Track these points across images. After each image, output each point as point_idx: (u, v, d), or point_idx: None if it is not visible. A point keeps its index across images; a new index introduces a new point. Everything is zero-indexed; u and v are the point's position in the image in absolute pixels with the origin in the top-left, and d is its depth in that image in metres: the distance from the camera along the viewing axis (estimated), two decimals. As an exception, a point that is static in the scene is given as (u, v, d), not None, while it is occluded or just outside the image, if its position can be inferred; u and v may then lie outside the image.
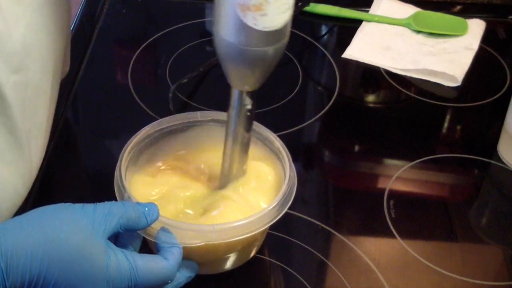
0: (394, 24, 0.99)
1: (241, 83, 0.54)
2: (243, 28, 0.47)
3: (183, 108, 0.82)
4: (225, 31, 0.49)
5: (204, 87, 0.88)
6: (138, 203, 0.52)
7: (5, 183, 0.56)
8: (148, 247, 0.63)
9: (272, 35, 0.49)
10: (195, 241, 0.54)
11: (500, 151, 0.77)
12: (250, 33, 0.48)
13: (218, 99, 0.87)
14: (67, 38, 0.70)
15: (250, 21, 0.47)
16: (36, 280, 0.45)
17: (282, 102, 0.84)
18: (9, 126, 0.56)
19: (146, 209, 0.52)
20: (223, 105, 0.85)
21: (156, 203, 0.54)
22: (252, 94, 0.55)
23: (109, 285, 0.47)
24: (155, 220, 0.52)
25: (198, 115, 0.66)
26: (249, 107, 0.55)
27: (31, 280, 0.44)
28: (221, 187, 0.62)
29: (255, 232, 0.56)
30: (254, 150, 0.66)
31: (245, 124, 0.57)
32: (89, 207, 0.49)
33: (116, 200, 0.56)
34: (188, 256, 0.59)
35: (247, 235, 0.55)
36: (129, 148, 0.61)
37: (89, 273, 0.46)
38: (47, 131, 0.64)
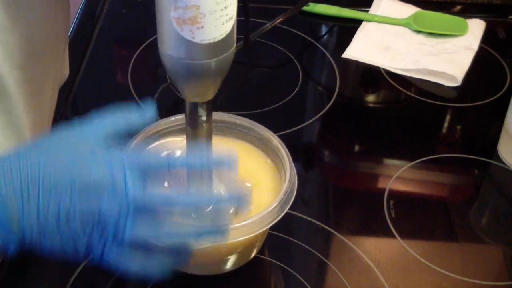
0: (394, 24, 0.99)
1: (192, 96, 0.52)
2: (182, 41, 0.46)
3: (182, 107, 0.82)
4: (166, 45, 0.47)
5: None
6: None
7: None
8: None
9: (213, 48, 0.47)
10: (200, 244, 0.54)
11: (500, 151, 0.77)
12: (189, 47, 0.46)
13: (215, 99, 0.87)
14: (65, 42, 0.70)
15: (187, 35, 0.45)
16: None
17: (282, 102, 0.84)
18: (14, 123, 0.56)
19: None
20: (221, 105, 0.85)
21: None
22: (207, 105, 0.53)
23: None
24: (151, 117, 0.51)
25: None
26: (203, 118, 0.54)
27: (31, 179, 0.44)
28: None
29: (257, 232, 0.56)
30: (254, 150, 0.66)
31: (202, 135, 0.55)
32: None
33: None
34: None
35: (249, 236, 0.55)
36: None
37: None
38: (47, 132, 0.64)
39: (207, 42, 0.46)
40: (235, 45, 0.50)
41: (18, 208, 0.43)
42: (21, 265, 0.62)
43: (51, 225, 0.44)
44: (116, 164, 0.45)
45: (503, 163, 0.77)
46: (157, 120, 0.64)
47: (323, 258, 0.65)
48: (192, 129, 0.54)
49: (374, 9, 1.02)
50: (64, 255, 0.46)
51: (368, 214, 0.71)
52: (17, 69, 0.55)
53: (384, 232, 0.68)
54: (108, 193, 0.44)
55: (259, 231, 0.56)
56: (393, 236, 0.68)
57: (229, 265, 0.62)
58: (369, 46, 0.94)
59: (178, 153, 0.55)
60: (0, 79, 0.55)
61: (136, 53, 0.91)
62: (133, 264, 0.47)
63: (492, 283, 0.64)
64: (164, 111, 0.70)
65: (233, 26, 0.48)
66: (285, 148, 0.63)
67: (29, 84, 0.57)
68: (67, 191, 0.44)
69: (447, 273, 0.64)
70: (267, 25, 0.90)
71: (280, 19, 0.91)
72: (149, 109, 0.51)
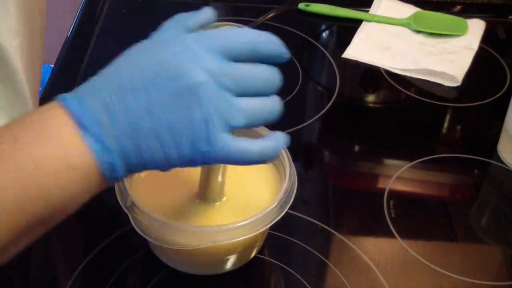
0: (394, 24, 0.99)
1: None
2: None
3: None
4: None
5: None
6: None
7: None
8: (148, 247, 0.64)
9: None
10: (201, 242, 0.54)
11: (500, 151, 0.77)
12: None
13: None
14: None
15: None
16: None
17: (282, 102, 0.84)
18: (18, 90, 0.57)
19: None
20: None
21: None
22: None
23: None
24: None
25: None
26: None
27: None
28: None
29: (257, 232, 0.56)
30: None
31: None
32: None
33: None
34: (190, 257, 0.60)
35: (249, 236, 0.55)
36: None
37: None
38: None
39: None
40: None
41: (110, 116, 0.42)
42: (21, 266, 0.62)
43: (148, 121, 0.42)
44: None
45: (503, 163, 0.77)
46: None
47: (323, 258, 0.65)
48: None
49: (374, 9, 1.02)
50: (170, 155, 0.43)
51: (368, 214, 0.71)
52: (14, 38, 0.56)
53: (384, 232, 0.68)
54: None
55: (259, 231, 0.56)
56: (393, 236, 0.68)
57: (229, 265, 0.62)
58: (369, 46, 0.94)
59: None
60: (1, 49, 0.55)
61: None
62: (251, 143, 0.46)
63: (492, 283, 0.64)
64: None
65: None
66: (285, 147, 0.62)
67: (21, 50, 0.58)
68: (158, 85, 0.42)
69: (447, 273, 0.64)
70: (258, 19, 0.91)
71: (271, 15, 0.92)
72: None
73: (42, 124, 0.42)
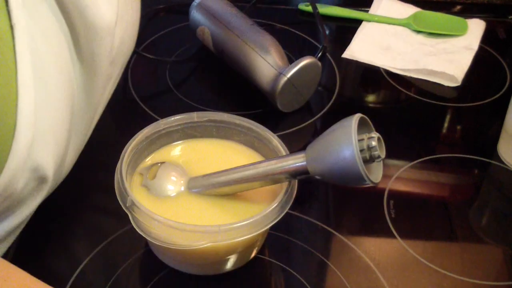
0: (394, 24, 0.99)
1: None
2: None
3: (181, 108, 0.83)
4: None
5: (203, 87, 0.88)
6: None
7: None
8: (148, 247, 0.64)
9: None
10: (201, 242, 0.54)
11: (500, 151, 0.77)
12: None
13: (214, 98, 0.87)
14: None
15: None
16: None
17: (282, 102, 0.84)
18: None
19: None
20: (222, 105, 0.85)
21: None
22: None
23: None
24: None
25: (194, 116, 0.66)
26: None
27: None
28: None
29: (257, 232, 0.56)
30: (254, 150, 0.66)
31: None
32: None
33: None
34: (190, 257, 0.60)
35: (249, 236, 0.55)
36: (128, 150, 0.61)
37: None
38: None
39: None
40: None
41: None
42: (21, 266, 0.62)
43: None
44: None
45: (503, 163, 0.77)
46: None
47: (323, 258, 0.65)
48: None
49: (374, 9, 1.02)
50: None
51: (368, 214, 0.71)
52: (111, 65, 0.63)
53: (384, 232, 0.68)
54: None
55: (259, 231, 0.56)
56: (393, 236, 0.68)
57: (229, 265, 0.62)
58: (369, 46, 0.94)
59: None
60: None
61: (136, 53, 0.91)
62: None
63: (492, 283, 0.64)
64: (164, 111, 0.69)
65: None
66: (285, 148, 0.63)
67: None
68: None
69: (447, 273, 0.64)
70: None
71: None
72: None
73: None
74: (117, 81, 0.69)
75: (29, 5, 0.49)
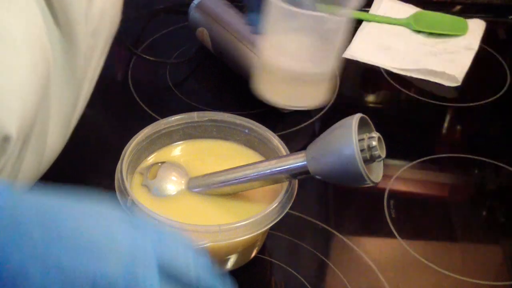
0: (394, 24, 0.99)
1: None
2: None
3: (181, 108, 0.83)
4: None
5: (203, 87, 0.88)
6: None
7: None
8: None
9: None
10: (201, 242, 0.54)
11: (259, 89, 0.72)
12: None
13: (214, 98, 0.87)
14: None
15: None
16: None
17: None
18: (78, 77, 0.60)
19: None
20: (222, 105, 0.85)
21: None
22: None
23: None
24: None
25: (195, 116, 0.66)
26: None
27: None
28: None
29: (257, 232, 0.56)
30: (254, 150, 0.66)
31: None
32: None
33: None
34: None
35: (249, 236, 0.55)
36: (129, 150, 0.61)
37: None
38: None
39: None
40: None
41: None
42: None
43: None
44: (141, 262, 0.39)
45: (504, 163, 0.77)
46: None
47: (323, 258, 0.65)
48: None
49: (374, 9, 1.02)
50: None
51: (368, 214, 0.71)
52: (91, 37, 0.62)
53: (384, 232, 0.68)
54: None
55: (259, 231, 0.56)
56: (393, 236, 0.68)
57: (229, 265, 0.62)
58: (369, 46, 0.94)
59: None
60: None
61: (136, 53, 0.91)
62: None
63: (492, 283, 0.64)
64: (164, 111, 0.69)
65: None
66: (286, 148, 0.63)
67: (93, 52, 0.64)
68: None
69: (447, 273, 0.64)
70: None
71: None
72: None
73: None
74: (103, 57, 0.67)
75: None
